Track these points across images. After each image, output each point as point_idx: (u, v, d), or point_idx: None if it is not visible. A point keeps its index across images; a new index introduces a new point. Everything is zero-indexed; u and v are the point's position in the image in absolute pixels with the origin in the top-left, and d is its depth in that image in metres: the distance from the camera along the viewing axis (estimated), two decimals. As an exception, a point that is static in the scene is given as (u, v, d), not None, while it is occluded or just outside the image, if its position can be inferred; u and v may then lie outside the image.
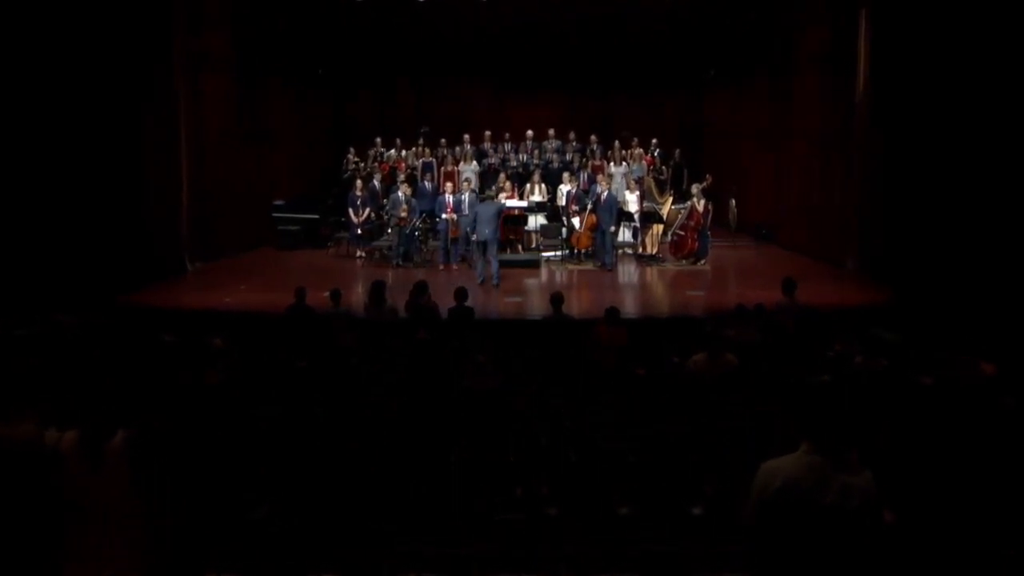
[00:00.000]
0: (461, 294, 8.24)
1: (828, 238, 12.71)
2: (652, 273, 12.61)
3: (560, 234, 13.18)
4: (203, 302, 10.18)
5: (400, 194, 12.55)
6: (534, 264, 12.80)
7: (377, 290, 8.31)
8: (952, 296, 8.94)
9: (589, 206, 12.66)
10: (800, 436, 2.70)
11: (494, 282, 11.14)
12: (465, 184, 12.96)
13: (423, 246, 13.26)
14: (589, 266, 12.73)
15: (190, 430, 4.51)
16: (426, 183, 14.04)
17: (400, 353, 7.37)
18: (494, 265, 11.20)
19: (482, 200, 11.99)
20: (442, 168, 14.66)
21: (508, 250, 13.03)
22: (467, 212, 12.21)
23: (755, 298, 9.42)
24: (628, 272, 12.73)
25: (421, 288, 8.33)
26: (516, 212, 13.28)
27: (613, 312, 7.63)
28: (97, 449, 3.12)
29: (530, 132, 15.75)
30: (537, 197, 13.80)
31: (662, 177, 14.94)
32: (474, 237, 11.41)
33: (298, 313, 8.35)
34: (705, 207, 12.72)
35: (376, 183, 14.05)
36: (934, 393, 5.10)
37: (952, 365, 5.57)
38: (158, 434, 3.29)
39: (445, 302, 8.46)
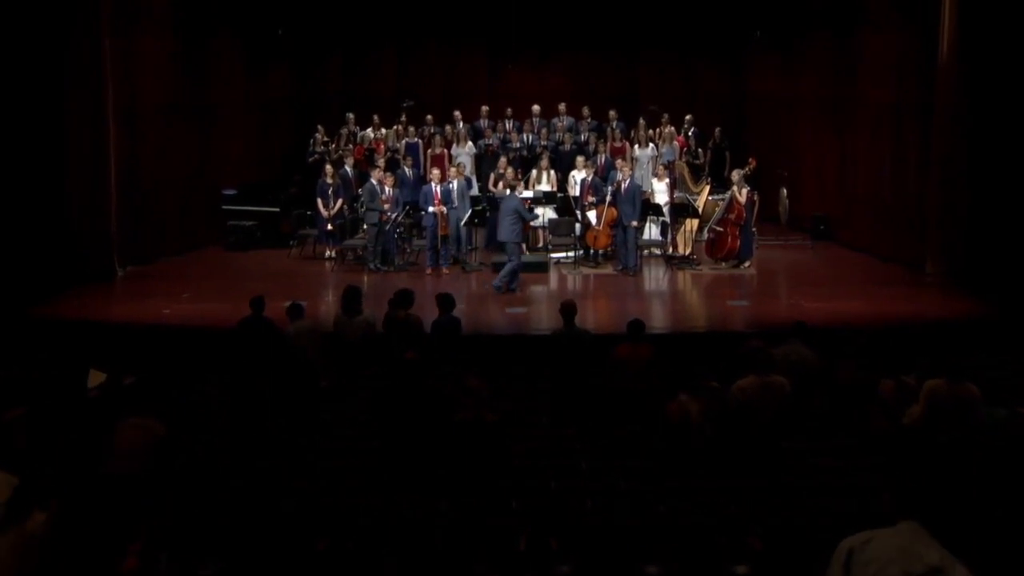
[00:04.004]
0: (446, 302, 8.24)
1: (902, 235, 12.69)
2: (684, 278, 12.61)
3: (573, 231, 13.18)
4: (136, 314, 10.19)
5: (375, 183, 12.53)
6: (541, 267, 12.78)
7: (350, 297, 8.31)
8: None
9: (608, 197, 12.67)
10: (901, 511, 2.66)
11: (495, 284, 11.29)
12: (454, 171, 12.95)
13: (406, 245, 13.27)
14: (608, 270, 12.74)
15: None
16: (409, 169, 14.04)
17: (376, 376, 7.39)
18: (505, 270, 11.33)
19: (491, 196, 12.08)
20: (429, 151, 14.66)
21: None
22: (457, 204, 12.24)
23: (811, 309, 9.44)
24: (655, 277, 12.73)
25: (403, 298, 8.30)
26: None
27: (637, 326, 7.62)
28: None
29: (536, 107, 15.74)
30: (545, 186, 13.78)
31: (697, 161, 14.93)
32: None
33: (253, 327, 8.34)
34: (748, 198, 12.72)
35: (349, 168, 14.05)
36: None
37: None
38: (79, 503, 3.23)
39: (432, 314, 8.46)
